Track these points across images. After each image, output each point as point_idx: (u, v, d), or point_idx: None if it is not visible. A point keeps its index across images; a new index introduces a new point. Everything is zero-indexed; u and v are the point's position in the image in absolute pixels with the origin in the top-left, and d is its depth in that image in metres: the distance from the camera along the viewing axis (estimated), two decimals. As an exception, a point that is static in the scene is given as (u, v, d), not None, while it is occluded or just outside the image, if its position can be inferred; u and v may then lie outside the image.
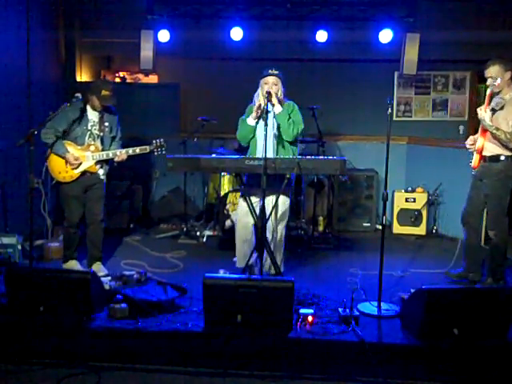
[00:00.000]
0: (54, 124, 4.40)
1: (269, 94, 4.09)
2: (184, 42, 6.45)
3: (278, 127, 4.26)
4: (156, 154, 4.66)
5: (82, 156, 4.52)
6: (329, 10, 6.05)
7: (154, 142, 4.63)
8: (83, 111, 4.53)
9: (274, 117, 4.26)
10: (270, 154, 4.13)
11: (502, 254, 4.42)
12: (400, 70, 6.15)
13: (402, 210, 6.41)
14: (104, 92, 4.45)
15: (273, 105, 4.22)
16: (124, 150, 4.59)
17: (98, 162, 4.58)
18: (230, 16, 6.08)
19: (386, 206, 3.96)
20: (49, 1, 6.24)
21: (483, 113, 4.19)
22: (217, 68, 6.88)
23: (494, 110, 4.26)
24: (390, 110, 3.83)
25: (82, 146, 4.55)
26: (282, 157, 4.19)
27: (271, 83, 4.24)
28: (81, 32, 6.82)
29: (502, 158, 4.23)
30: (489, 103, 4.25)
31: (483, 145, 4.29)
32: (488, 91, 4.27)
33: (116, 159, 4.59)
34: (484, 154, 4.32)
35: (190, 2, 6.09)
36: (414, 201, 6.39)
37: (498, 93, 4.27)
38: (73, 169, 4.52)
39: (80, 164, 4.51)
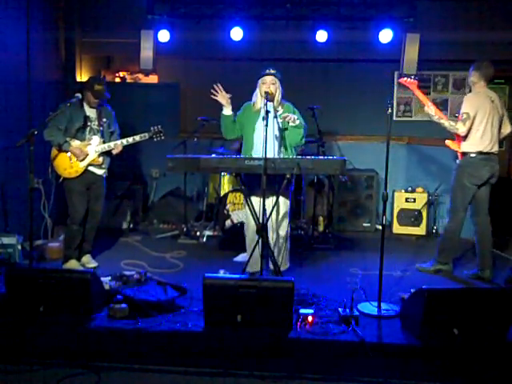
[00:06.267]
0: (55, 123, 4.55)
1: (267, 93, 4.09)
2: (184, 42, 6.45)
3: (281, 131, 4.28)
4: (155, 140, 4.83)
5: (85, 150, 4.68)
6: (329, 10, 6.04)
7: (152, 128, 4.81)
8: (81, 109, 4.70)
9: (275, 117, 4.27)
10: (271, 156, 4.14)
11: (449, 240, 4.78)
12: (400, 70, 6.15)
13: (401, 209, 6.42)
14: (97, 87, 4.65)
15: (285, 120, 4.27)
16: (124, 140, 4.77)
17: (100, 155, 4.75)
18: (230, 16, 6.07)
19: (386, 206, 3.97)
20: (49, 1, 6.23)
21: (427, 109, 4.70)
22: (217, 68, 6.88)
23: None
24: (389, 110, 3.83)
25: (84, 140, 4.71)
26: (281, 157, 4.20)
27: (269, 82, 4.25)
28: (81, 32, 6.81)
29: (473, 154, 4.60)
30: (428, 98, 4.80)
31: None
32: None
33: (115, 151, 4.77)
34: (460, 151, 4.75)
35: (189, 2, 6.08)
36: (414, 201, 6.39)
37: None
38: (81, 160, 4.66)
39: (86, 156, 4.67)
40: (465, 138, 4.61)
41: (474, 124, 4.56)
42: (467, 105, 4.59)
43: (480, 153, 4.57)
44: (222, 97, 4.26)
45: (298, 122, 4.20)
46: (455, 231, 4.74)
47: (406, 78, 4.80)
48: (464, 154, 4.66)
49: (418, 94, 4.81)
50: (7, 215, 5.14)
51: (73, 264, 4.78)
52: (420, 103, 4.74)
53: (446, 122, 4.60)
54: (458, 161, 4.73)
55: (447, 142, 4.82)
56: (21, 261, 4.77)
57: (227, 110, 4.31)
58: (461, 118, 4.55)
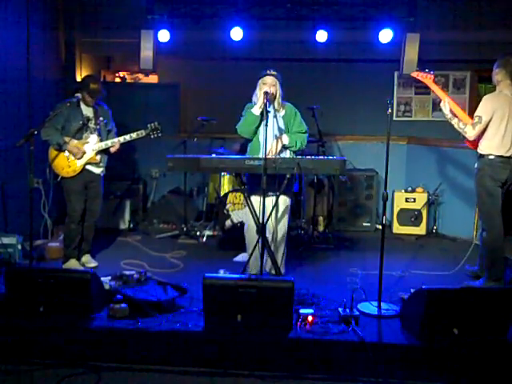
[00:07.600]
0: (52, 122, 4.56)
1: (266, 93, 4.07)
2: (184, 42, 6.45)
3: (281, 131, 4.28)
4: (152, 137, 4.82)
5: (82, 148, 4.70)
6: (329, 9, 6.04)
7: (149, 125, 4.81)
8: (79, 108, 4.72)
9: (275, 117, 4.26)
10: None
11: (492, 253, 4.38)
12: (400, 70, 6.15)
13: (402, 210, 6.41)
14: (92, 85, 4.67)
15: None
16: (121, 137, 4.79)
17: (98, 153, 4.76)
18: (230, 16, 6.07)
19: (386, 206, 3.96)
20: (49, 1, 6.23)
21: (442, 104, 4.45)
22: (217, 68, 6.88)
23: None
24: (389, 110, 3.83)
25: (81, 139, 4.72)
26: (282, 156, 4.20)
27: (270, 84, 4.23)
28: (81, 32, 6.81)
29: (491, 157, 4.30)
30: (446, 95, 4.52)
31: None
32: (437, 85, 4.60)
33: (112, 149, 4.80)
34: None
35: (190, 2, 6.08)
36: (414, 201, 6.39)
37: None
38: (78, 159, 4.67)
39: (83, 155, 4.69)
40: (484, 140, 4.32)
41: (490, 127, 4.26)
42: (482, 107, 4.28)
43: (500, 156, 4.27)
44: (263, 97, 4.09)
45: (286, 142, 4.24)
46: (496, 240, 4.35)
47: (419, 72, 4.59)
48: (482, 155, 4.35)
49: (435, 88, 4.57)
50: (7, 215, 5.14)
51: (73, 264, 4.78)
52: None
53: (456, 124, 4.34)
54: (476, 164, 4.41)
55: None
56: (21, 261, 4.77)
57: (258, 111, 4.19)
58: (473, 121, 4.28)
